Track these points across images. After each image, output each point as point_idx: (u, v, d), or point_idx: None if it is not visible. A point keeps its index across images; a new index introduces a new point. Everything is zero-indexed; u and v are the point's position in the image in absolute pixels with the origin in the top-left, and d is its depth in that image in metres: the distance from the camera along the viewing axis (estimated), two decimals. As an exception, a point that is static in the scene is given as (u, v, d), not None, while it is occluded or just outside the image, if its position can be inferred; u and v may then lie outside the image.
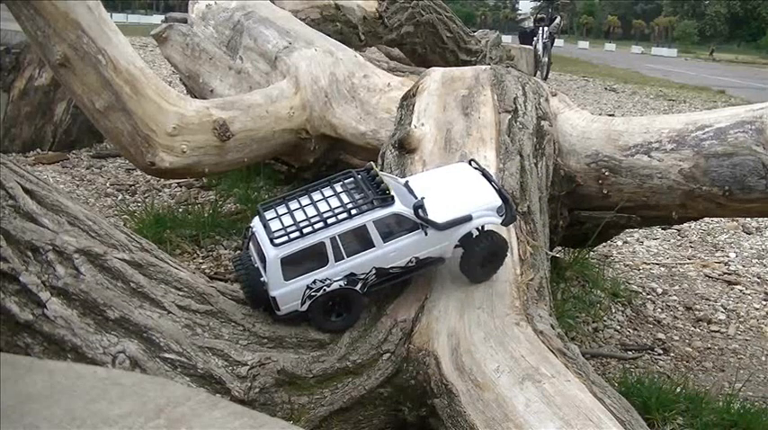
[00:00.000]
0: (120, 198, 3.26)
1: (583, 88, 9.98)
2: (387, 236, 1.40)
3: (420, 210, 1.40)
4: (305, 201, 1.44)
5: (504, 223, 1.50)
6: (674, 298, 2.74)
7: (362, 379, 1.41)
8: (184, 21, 3.22)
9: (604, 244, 2.83)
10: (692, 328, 2.50)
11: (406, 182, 1.53)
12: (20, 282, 1.21)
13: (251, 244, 1.44)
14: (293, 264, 1.35)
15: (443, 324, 1.45)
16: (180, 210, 2.97)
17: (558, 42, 14.93)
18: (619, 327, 2.44)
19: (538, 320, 1.47)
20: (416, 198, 1.44)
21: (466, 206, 1.46)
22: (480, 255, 1.48)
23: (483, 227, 1.48)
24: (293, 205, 1.43)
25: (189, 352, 1.28)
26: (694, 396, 1.90)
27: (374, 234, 1.39)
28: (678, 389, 1.92)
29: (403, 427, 1.46)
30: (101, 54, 2.06)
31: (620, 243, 3.24)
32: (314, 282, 1.37)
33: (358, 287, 1.41)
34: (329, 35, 3.05)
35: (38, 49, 2.10)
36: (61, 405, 0.76)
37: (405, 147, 1.88)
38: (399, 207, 1.40)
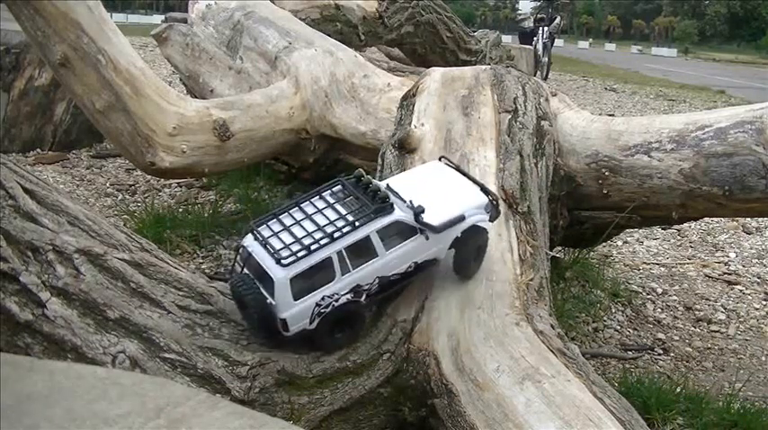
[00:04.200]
0: (120, 198, 3.26)
1: (583, 88, 9.98)
2: (387, 243, 1.38)
3: (420, 216, 1.39)
4: (298, 215, 1.39)
5: (491, 220, 1.50)
6: (674, 298, 2.74)
7: (362, 379, 1.41)
8: (184, 21, 3.22)
9: (604, 244, 2.83)
10: (692, 328, 2.50)
11: (387, 184, 1.50)
12: (20, 282, 1.21)
13: (246, 264, 1.37)
14: (301, 283, 1.31)
15: (443, 324, 1.45)
16: (180, 210, 2.97)
17: (558, 42, 14.94)
18: (619, 327, 2.44)
19: (538, 320, 1.47)
20: (404, 201, 1.42)
21: (457, 206, 1.45)
22: (475, 251, 1.50)
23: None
24: (287, 220, 1.38)
25: (189, 352, 1.28)
26: (694, 396, 1.90)
27: (377, 243, 1.37)
28: (678, 389, 1.92)
29: (403, 427, 1.46)
30: (101, 54, 2.06)
31: (620, 243, 3.24)
32: (323, 298, 1.34)
33: (363, 298, 1.39)
34: (329, 35, 3.04)
35: (38, 49, 2.10)
36: (61, 405, 0.76)
37: (405, 148, 1.88)
38: (400, 214, 1.39)
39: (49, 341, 1.22)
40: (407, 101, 2.09)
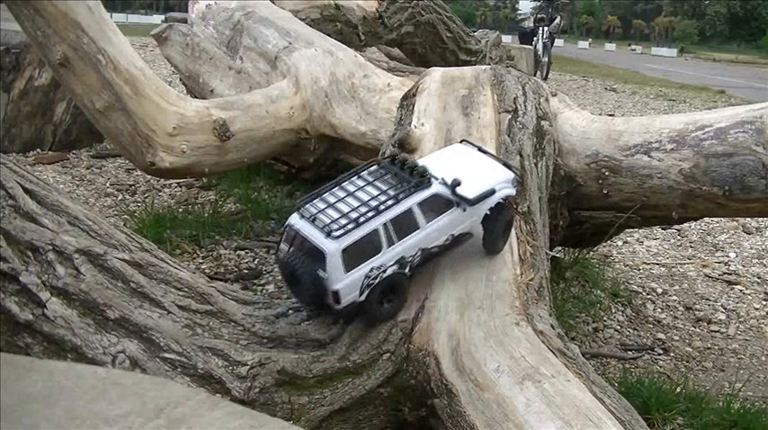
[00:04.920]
0: (120, 198, 3.26)
1: (583, 88, 9.98)
2: (427, 216, 1.44)
3: (457, 188, 1.46)
4: (341, 193, 1.45)
5: (517, 193, 1.61)
6: (674, 298, 2.74)
7: (362, 379, 1.41)
8: (184, 21, 3.22)
9: (604, 244, 2.83)
10: (692, 328, 2.50)
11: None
12: (20, 282, 1.21)
13: (293, 243, 1.42)
14: (351, 255, 1.36)
15: (443, 324, 1.45)
16: (180, 210, 2.96)
17: (558, 42, 14.96)
18: (619, 327, 2.44)
19: (538, 320, 1.47)
20: (436, 178, 1.48)
21: (487, 181, 1.52)
22: (503, 226, 1.57)
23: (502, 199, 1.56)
24: (331, 199, 1.44)
25: (189, 352, 1.28)
26: (694, 396, 1.90)
27: (419, 216, 1.43)
28: (678, 389, 1.92)
29: (403, 427, 1.46)
30: (101, 54, 2.06)
31: (620, 243, 3.23)
32: (371, 270, 1.39)
33: (407, 270, 1.44)
34: (329, 35, 3.05)
35: (38, 49, 2.10)
36: (61, 405, 0.76)
37: (405, 147, 1.88)
38: (438, 187, 1.46)
39: (49, 341, 1.21)
40: (407, 101, 2.09)
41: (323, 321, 1.47)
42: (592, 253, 2.71)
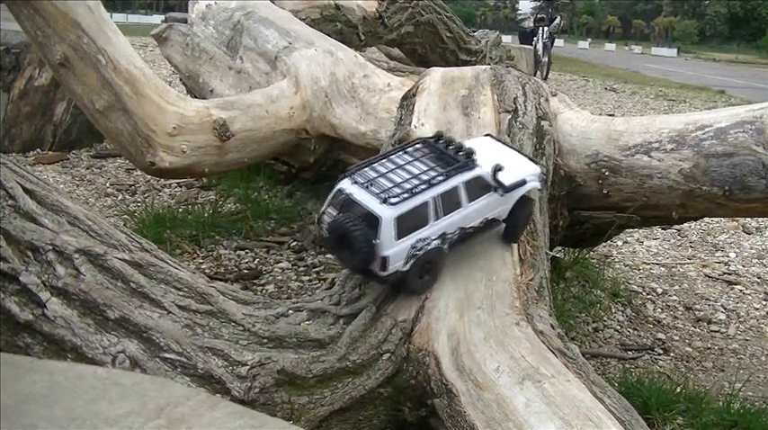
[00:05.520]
0: (120, 198, 3.27)
1: (583, 88, 9.98)
2: (469, 196, 1.48)
3: (497, 173, 1.50)
4: (390, 165, 1.48)
5: (542, 188, 1.65)
6: (674, 298, 2.74)
7: (362, 379, 1.41)
8: (184, 21, 3.22)
9: (604, 244, 2.83)
10: (692, 328, 2.50)
11: None
12: (20, 282, 1.21)
13: (342, 208, 1.43)
14: (402, 223, 1.39)
15: (443, 324, 1.45)
16: (180, 210, 2.97)
17: (558, 42, 14.97)
18: (619, 327, 2.44)
19: (538, 320, 1.47)
20: None
21: (519, 171, 1.57)
22: (525, 218, 1.61)
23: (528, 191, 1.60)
24: (381, 169, 1.47)
25: (189, 352, 1.28)
26: (694, 396, 1.90)
27: (463, 195, 1.47)
28: (678, 389, 1.92)
29: (403, 427, 1.46)
30: (101, 54, 2.06)
31: (620, 243, 3.24)
32: (417, 241, 1.42)
33: (446, 247, 1.48)
34: (329, 35, 3.05)
35: (38, 49, 2.10)
36: (61, 405, 0.76)
37: (405, 148, 1.87)
38: (481, 170, 1.50)
39: (49, 341, 1.21)
40: (407, 101, 2.09)
41: (323, 321, 1.47)
42: (592, 253, 2.71)
